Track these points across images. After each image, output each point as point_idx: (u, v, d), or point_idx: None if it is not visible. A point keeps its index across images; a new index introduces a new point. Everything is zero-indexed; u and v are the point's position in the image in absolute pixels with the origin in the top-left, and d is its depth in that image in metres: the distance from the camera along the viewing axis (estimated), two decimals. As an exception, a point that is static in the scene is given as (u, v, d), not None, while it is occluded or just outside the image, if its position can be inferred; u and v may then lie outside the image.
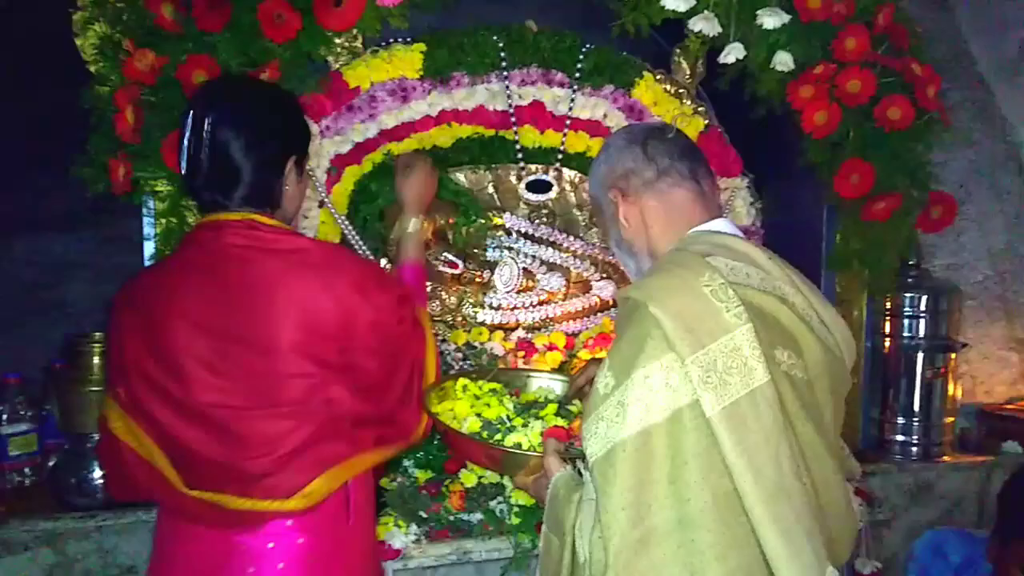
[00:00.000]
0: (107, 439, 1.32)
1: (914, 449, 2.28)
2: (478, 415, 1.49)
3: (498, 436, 1.44)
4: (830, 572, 1.03)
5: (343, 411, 1.31)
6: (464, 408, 1.53)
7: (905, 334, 2.28)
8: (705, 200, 1.22)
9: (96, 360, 1.78)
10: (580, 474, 1.19)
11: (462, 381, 1.62)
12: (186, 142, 1.30)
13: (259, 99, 1.36)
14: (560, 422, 1.50)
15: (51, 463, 1.86)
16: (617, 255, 1.30)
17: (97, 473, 1.76)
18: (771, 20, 1.87)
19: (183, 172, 1.33)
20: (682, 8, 1.83)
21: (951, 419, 2.33)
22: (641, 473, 0.99)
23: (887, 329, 2.30)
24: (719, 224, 1.20)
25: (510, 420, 1.49)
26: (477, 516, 1.72)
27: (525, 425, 1.47)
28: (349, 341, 1.31)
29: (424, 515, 1.71)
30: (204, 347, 1.24)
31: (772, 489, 0.99)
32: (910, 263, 2.30)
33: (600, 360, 1.64)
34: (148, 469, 1.28)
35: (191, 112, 1.31)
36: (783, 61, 1.93)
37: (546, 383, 1.75)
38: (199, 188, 1.33)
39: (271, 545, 1.29)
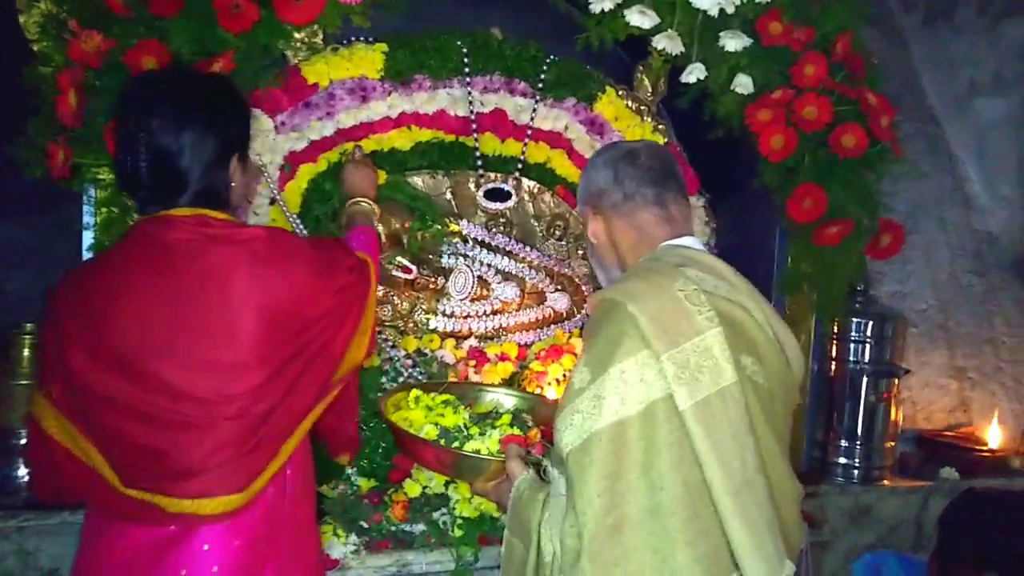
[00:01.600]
0: (38, 439, 1.26)
1: (856, 472, 2.32)
2: (435, 424, 1.48)
3: (456, 443, 1.43)
4: (789, 566, 1.10)
5: (298, 397, 1.28)
6: (419, 417, 1.51)
7: (851, 358, 2.32)
8: (671, 222, 1.28)
9: (26, 353, 1.71)
10: (541, 478, 1.23)
11: (415, 392, 1.60)
12: (121, 156, 1.25)
13: (198, 100, 1.28)
14: (516, 432, 1.49)
15: (-28, 459, 1.77)
16: (592, 265, 1.39)
17: (21, 471, 1.68)
18: (733, 43, 1.90)
19: (121, 186, 1.30)
20: (646, 25, 1.84)
21: (892, 443, 2.37)
22: (616, 462, 1.04)
23: (833, 352, 2.34)
24: (688, 241, 1.27)
25: (467, 428, 1.48)
26: (420, 527, 1.69)
27: (482, 433, 1.46)
28: (308, 324, 1.29)
29: (365, 525, 1.67)
30: (156, 342, 1.19)
31: (738, 482, 1.05)
32: (858, 289, 2.34)
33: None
34: (83, 468, 1.23)
35: (125, 125, 1.25)
36: (743, 84, 1.96)
37: (498, 397, 1.74)
38: (142, 199, 1.28)
39: (206, 547, 1.24)
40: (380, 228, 2.00)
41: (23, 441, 1.67)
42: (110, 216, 1.61)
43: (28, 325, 1.71)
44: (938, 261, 2.83)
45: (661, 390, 1.06)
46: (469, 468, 1.39)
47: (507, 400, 1.74)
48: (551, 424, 1.18)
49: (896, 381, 2.34)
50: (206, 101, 1.29)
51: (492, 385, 1.83)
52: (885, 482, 2.33)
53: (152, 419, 1.20)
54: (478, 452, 1.41)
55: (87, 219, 1.66)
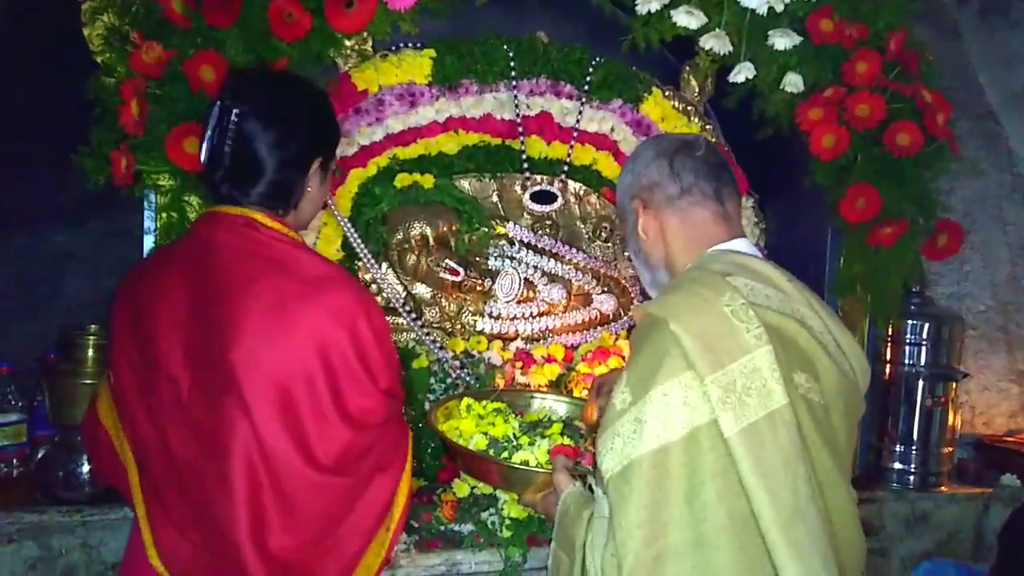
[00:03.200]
0: (91, 417, 1.31)
1: (911, 478, 2.25)
2: (484, 433, 1.49)
3: (505, 454, 1.43)
4: None
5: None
6: (470, 426, 1.53)
7: (906, 361, 2.26)
8: (727, 220, 1.21)
9: (90, 353, 1.76)
10: (590, 491, 1.18)
11: (466, 401, 1.62)
12: (210, 131, 1.27)
13: (291, 95, 1.32)
14: (566, 441, 1.49)
15: (39, 455, 1.84)
16: (635, 263, 1.30)
17: (85, 467, 1.73)
18: (782, 41, 1.87)
19: (203, 162, 1.30)
20: (693, 25, 1.83)
21: (950, 449, 2.31)
22: (657, 491, 0.99)
23: (888, 355, 2.28)
24: (740, 244, 1.19)
25: (516, 438, 1.48)
26: (468, 527, 1.70)
27: (531, 443, 1.46)
28: (333, 390, 1.21)
29: (415, 524, 1.69)
30: (180, 343, 1.21)
31: (788, 512, 0.98)
32: (913, 290, 2.28)
33: (612, 372, 1.60)
34: (116, 462, 1.27)
35: (218, 102, 1.27)
36: (793, 82, 1.93)
37: (549, 404, 1.74)
38: (218, 181, 1.29)
39: None
40: (428, 232, 2.04)
41: (88, 438, 1.73)
42: (170, 221, 1.66)
43: (92, 326, 1.77)
44: (997, 261, 2.74)
45: (706, 415, 1.00)
46: (517, 480, 1.37)
47: (559, 407, 1.74)
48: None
49: (954, 385, 2.28)
50: (299, 100, 1.33)
51: (544, 391, 1.83)
52: (943, 488, 2.26)
53: (187, 423, 1.21)
54: (527, 463, 1.40)
55: (148, 224, 1.71)
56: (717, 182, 1.20)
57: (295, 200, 1.32)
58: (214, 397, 1.17)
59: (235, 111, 1.25)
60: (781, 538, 0.97)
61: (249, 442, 1.16)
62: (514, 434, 1.49)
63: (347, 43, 1.85)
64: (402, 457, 1.32)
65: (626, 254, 2.19)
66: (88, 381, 1.71)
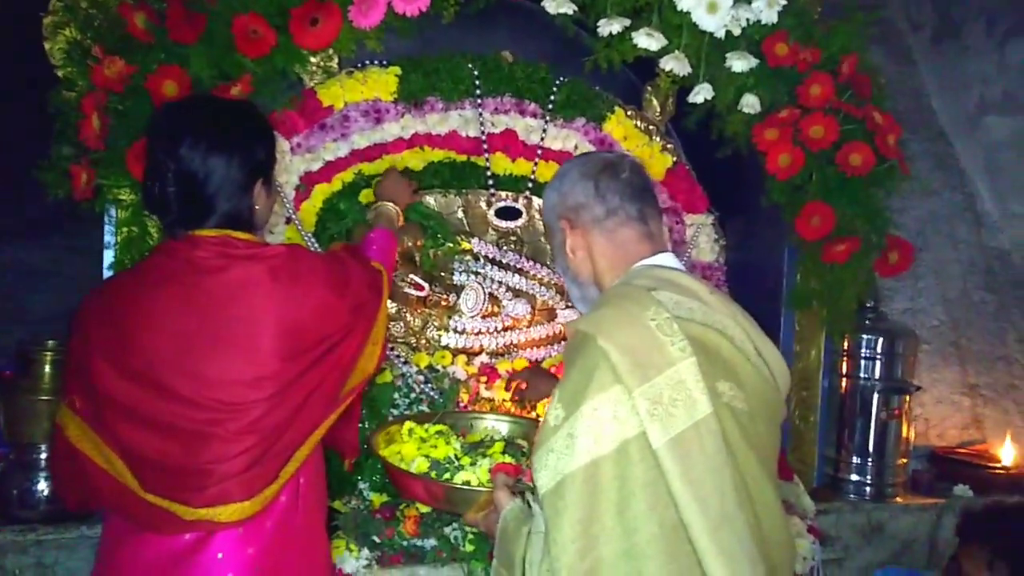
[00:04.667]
0: (63, 448, 1.30)
1: (868, 489, 2.31)
2: (426, 456, 1.49)
3: (447, 475, 1.44)
4: None
5: (311, 408, 1.32)
6: (411, 450, 1.53)
7: (861, 375, 2.31)
8: (651, 238, 1.24)
9: (47, 369, 1.74)
10: (530, 507, 1.19)
11: (408, 425, 1.62)
12: (151, 184, 1.29)
13: (224, 128, 1.32)
14: (508, 459, 1.51)
15: (-6, 473, 1.80)
16: (563, 278, 1.32)
17: (41, 485, 1.71)
18: (740, 63, 1.92)
19: (149, 210, 1.35)
20: (654, 47, 1.87)
21: (904, 460, 2.36)
22: (590, 505, 1.01)
23: (844, 369, 2.34)
24: (664, 259, 1.22)
25: (458, 459, 1.49)
26: (431, 542, 1.70)
27: (473, 463, 1.47)
28: (322, 339, 1.33)
29: (377, 540, 1.68)
30: (178, 354, 1.23)
31: (717, 519, 1.01)
32: (868, 305, 2.34)
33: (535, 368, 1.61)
34: (105, 476, 1.26)
35: (154, 152, 1.29)
36: (750, 103, 1.99)
37: (492, 423, 1.75)
38: (170, 224, 1.32)
39: (220, 556, 1.27)
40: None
41: (43, 456, 1.70)
42: (131, 236, 1.65)
43: (50, 342, 1.75)
44: (949, 278, 2.83)
45: (634, 428, 1.01)
46: (460, 500, 1.37)
47: (502, 426, 1.75)
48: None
49: (907, 398, 2.34)
50: (232, 129, 1.33)
51: (484, 413, 1.85)
52: (898, 499, 2.32)
53: (174, 429, 1.24)
54: (468, 483, 1.41)
55: (108, 239, 1.70)
56: (641, 203, 1.23)
57: (249, 221, 1.35)
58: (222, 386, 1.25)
59: (170, 161, 1.27)
60: (710, 545, 0.99)
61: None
62: (456, 455, 1.49)
63: (312, 60, 1.86)
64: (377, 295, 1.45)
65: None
66: (45, 397, 1.70)
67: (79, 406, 1.28)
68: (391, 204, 1.80)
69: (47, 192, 1.60)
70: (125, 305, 1.27)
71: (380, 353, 1.44)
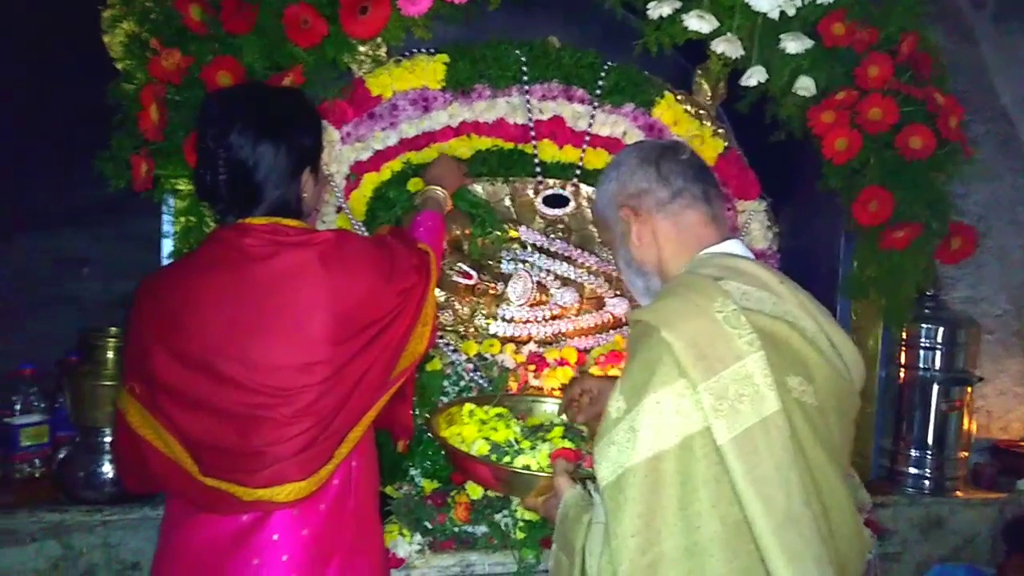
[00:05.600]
0: (125, 433, 1.33)
1: (926, 483, 2.24)
2: (486, 438, 1.50)
3: (507, 458, 1.44)
4: None
5: (364, 389, 1.35)
6: (472, 432, 1.54)
7: (921, 365, 2.25)
8: (717, 222, 1.21)
9: (110, 355, 1.79)
10: (590, 494, 1.19)
11: (468, 407, 1.63)
12: (202, 171, 1.33)
13: (273, 116, 1.34)
14: (568, 444, 1.50)
15: (61, 455, 1.87)
16: (624, 273, 1.28)
17: (106, 467, 1.76)
18: (794, 45, 1.87)
19: (200, 197, 1.38)
20: (705, 30, 1.84)
21: (965, 454, 2.29)
22: (651, 499, 1.00)
23: (902, 359, 2.27)
24: (731, 246, 1.19)
25: (518, 443, 1.49)
26: (482, 529, 1.71)
27: (533, 448, 1.47)
28: (372, 322, 1.35)
29: (429, 525, 1.70)
30: (228, 341, 1.26)
31: (781, 518, 0.98)
32: (928, 294, 2.27)
33: (590, 375, 1.62)
34: (165, 460, 1.29)
35: (204, 140, 1.32)
36: (805, 86, 1.93)
37: (551, 407, 1.74)
38: (221, 211, 1.36)
39: (275, 537, 1.30)
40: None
41: (107, 439, 1.75)
42: (188, 225, 1.69)
43: (111, 329, 1.80)
44: (1013, 265, 2.72)
45: (698, 423, 1.00)
46: (519, 484, 1.38)
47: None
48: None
49: (969, 389, 2.26)
50: (281, 117, 1.35)
51: (545, 395, 1.84)
52: (958, 493, 2.25)
53: (228, 414, 1.26)
54: (528, 467, 1.41)
55: (166, 228, 1.74)
56: (704, 183, 1.21)
57: (297, 209, 1.38)
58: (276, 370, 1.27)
59: (220, 149, 1.29)
60: (775, 544, 0.97)
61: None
62: (516, 439, 1.49)
63: (361, 49, 1.87)
64: (425, 276, 1.46)
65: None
66: (108, 383, 1.74)
67: (138, 392, 1.31)
68: (440, 188, 1.80)
69: (107, 182, 1.63)
70: (177, 292, 1.30)
71: (430, 335, 1.46)
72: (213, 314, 1.27)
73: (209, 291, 1.29)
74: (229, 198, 1.33)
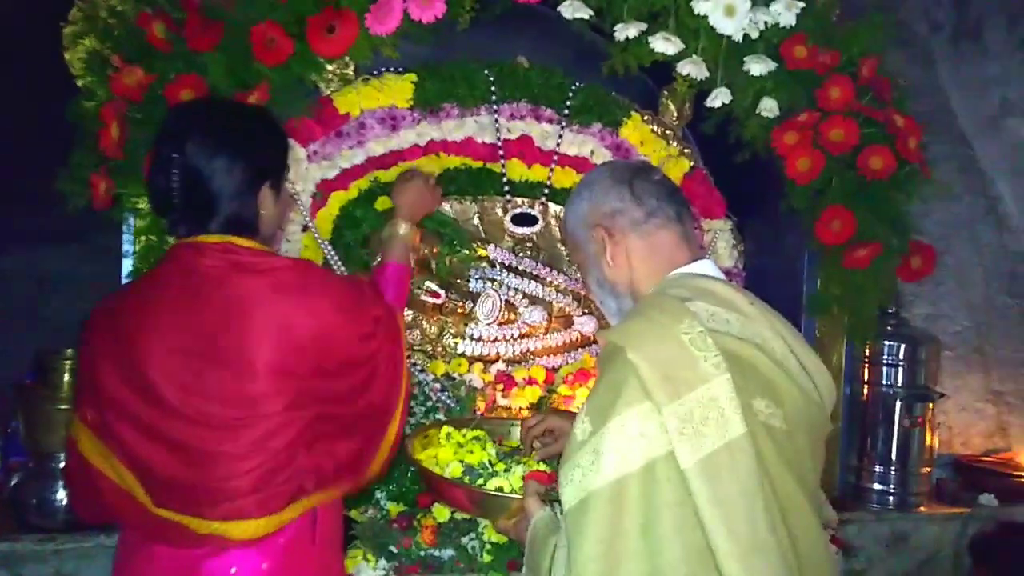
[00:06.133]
0: (76, 462, 1.29)
1: (891, 498, 2.27)
2: (460, 461, 1.49)
3: (480, 481, 1.43)
4: None
5: (313, 435, 1.29)
6: (447, 454, 1.53)
7: (884, 382, 2.28)
8: (689, 242, 1.21)
9: (66, 378, 1.75)
10: (559, 516, 1.17)
11: (446, 429, 1.62)
12: (155, 178, 1.29)
13: (231, 128, 1.32)
14: (542, 467, 1.50)
15: (13, 482, 1.81)
16: (596, 293, 1.27)
17: (60, 494, 1.71)
18: (757, 67, 1.91)
19: (153, 207, 1.34)
20: (671, 51, 1.86)
21: (928, 469, 2.32)
22: (614, 524, 0.98)
23: (866, 376, 2.31)
24: (702, 266, 1.19)
25: (492, 465, 1.49)
26: (449, 552, 1.69)
27: (507, 470, 1.47)
28: (326, 361, 1.29)
29: (394, 550, 1.68)
30: (179, 369, 1.22)
31: (746, 546, 0.97)
32: (889, 311, 2.31)
33: (554, 412, 1.61)
34: (118, 490, 1.25)
35: (160, 148, 1.28)
36: (768, 107, 1.96)
37: None
38: (174, 222, 1.31)
39: (234, 570, 1.26)
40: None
41: (62, 465, 1.70)
42: (149, 244, 1.66)
43: (68, 351, 1.76)
44: (972, 282, 2.79)
45: (663, 446, 0.98)
46: (492, 506, 1.37)
47: None
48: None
49: (931, 405, 2.30)
50: (239, 129, 1.32)
51: (523, 418, 1.83)
52: (922, 509, 2.28)
53: (180, 445, 1.23)
54: (501, 489, 1.40)
55: (126, 247, 1.71)
56: (678, 204, 1.22)
57: (253, 225, 1.33)
58: (224, 403, 1.23)
59: (175, 156, 1.26)
60: (738, 571, 0.96)
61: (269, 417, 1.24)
62: (490, 461, 1.49)
63: (329, 67, 1.86)
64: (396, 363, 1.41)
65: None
66: (63, 407, 1.70)
67: (90, 419, 1.27)
68: (409, 224, 1.68)
69: (67, 201, 1.60)
70: (128, 316, 1.27)
71: (400, 421, 1.41)
72: (160, 341, 1.23)
73: (158, 316, 1.24)
74: (182, 208, 1.28)
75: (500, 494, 1.37)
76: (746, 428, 1.00)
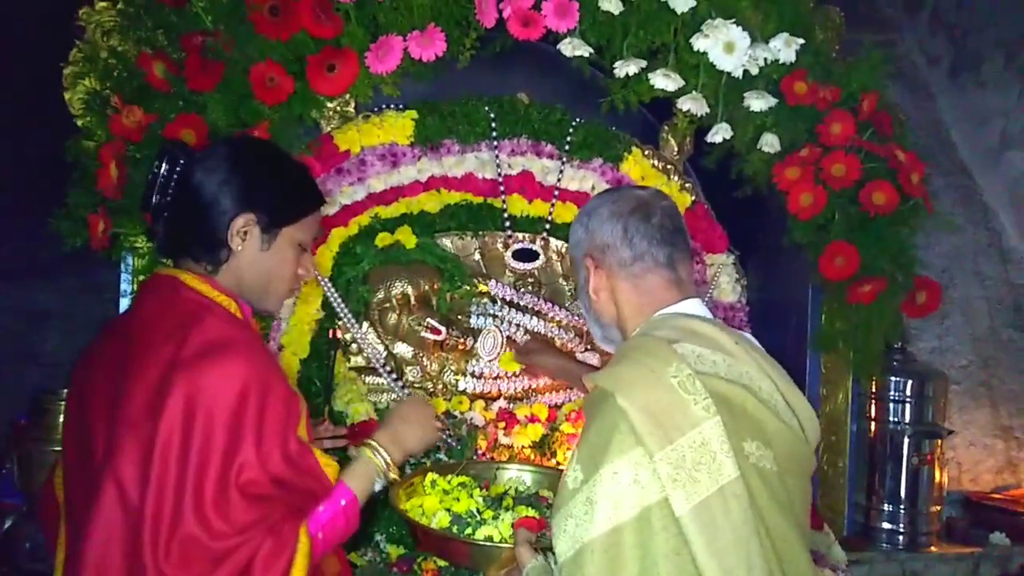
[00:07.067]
0: (47, 487, 1.29)
1: (901, 537, 2.22)
2: (447, 510, 1.46)
3: (468, 530, 1.39)
4: None
5: None
6: (433, 503, 1.49)
7: (891, 418, 2.24)
8: (679, 285, 1.20)
9: (61, 419, 1.71)
10: (552, 565, 1.14)
11: (431, 476, 1.58)
12: (150, 177, 1.26)
13: (232, 146, 1.29)
14: (531, 512, 1.46)
15: (6, 525, 1.78)
16: (585, 315, 1.29)
17: (53, 537, 1.68)
18: (758, 103, 1.91)
19: (142, 208, 1.29)
20: (671, 88, 1.86)
21: (938, 508, 2.28)
22: (611, 575, 0.97)
23: (872, 413, 2.27)
24: (689, 306, 1.18)
25: (480, 513, 1.44)
26: (448, 593, 1.65)
27: (495, 518, 1.43)
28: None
29: (393, 590, 1.64)
30: (103, 413, 1.16)
31: None
32: (895, 346, 2.28)
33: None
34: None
35: (165, 152, 1.27)
36: (769, 143, 1.96)
37: (515, 474, 1.70)
38: (158, 233, 1.28)
39: None
40: (410, 291, 2.02)
41: (56, 507, 1.67)
42: (146, 283, 1.64)
43: (64, 390, 1.73)
44: (976, 315, 2.77)
45: (656, 493, 0.98)
46: (482, 556, 1.33)
47: (526, 476, 1.70)
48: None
49: (939, 442, 2.26)
50: (233, 152, 1.28)
51: (508, 463, 1.79)
52: (932, 548, 2.23)
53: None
54: (490, 539, 1.36)
55: (124, 287, 1.70)
56: (671, 247, 1.20)
57: (221, 255, 1.23)
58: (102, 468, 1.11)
59: (180, 160, 1.23)
60: None
61: (112, 510, 1.06)
62: (478, 509, 1.45)
63: (329, 105, 1.87)
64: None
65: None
66: (58, 448, 1.66)
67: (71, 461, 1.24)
68: (387, 452, 1.30)
69: (63, 241, 1.59)
70: (86, 354, 1.26)
71: None
72: (100, 394, 1.17)
73: (101, 356, 1.22)
74: (166, 216, 1.24)
75: (490, 544, 1.33)
76: (738, 472, 1.00)
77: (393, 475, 1.28)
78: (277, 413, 1.13)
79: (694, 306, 1.19)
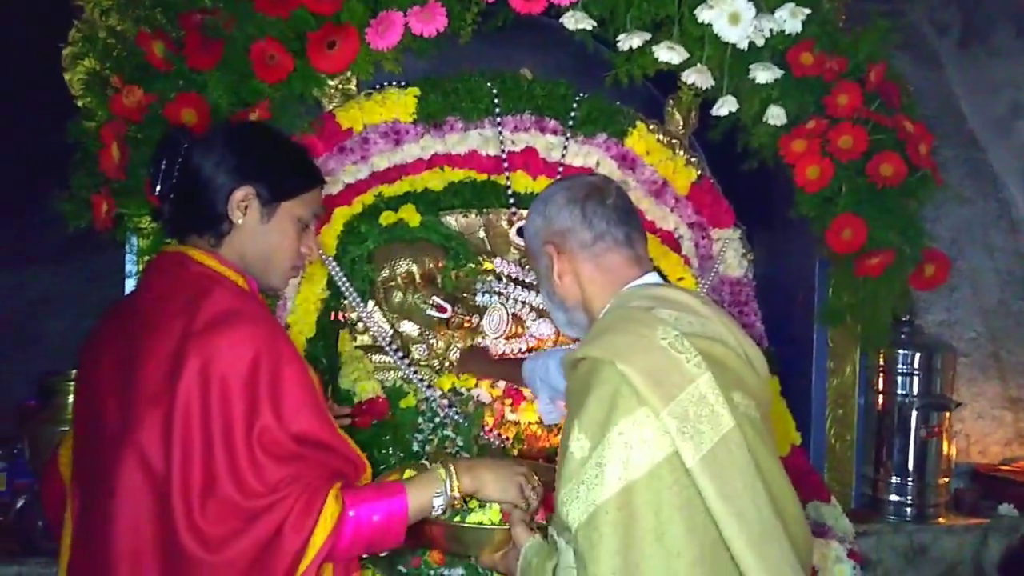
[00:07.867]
0: (51, 463, 1.29)
1: (909, 510, 2.23)
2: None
3: (457, 518, 1.39)
4: None
5: None
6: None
7: (899, 391, 2.24)
8: (640, 262, 1.24)
9: (70, 399, 1.74)
10: (549, 539, 1.15)
11: (407, 473, 1.56)
12: (156, 154, 1.27)
13: (232, 130, 1.31)
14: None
15: (18, 505, 1.80)
16: (546, 304, 1.32)
17: (65, 517, 1.69)
18: (764, 75, 1.88)
19: (152, 192, 1.30)
20: (675, 60, 1.83)
21: (946, 479, 2.28)
22: (626, 533, 0.99)
23: (880, 385, 2.27)
24: (652, 278, 1.23)
25: (467, 501, 1.43)
26: (458, 572, 1.67)
27: (483, 505, 1.41)
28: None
29: (403, 569, 1.65)
30: (113, 394, 1.16)
31: (757, 532, 1.01)
32: (903, 319, 2.27)
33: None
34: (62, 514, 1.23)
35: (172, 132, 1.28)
36: (776, 115, 1.94)
37: None
38: (165, 213, 1.29)
39: None
40: (415, 269, 2.02)
41: (67, 487, 1.69)
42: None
43: (73, 372, 1.74)
44: (986, 287, 2.75)
45: (664, 449, 1.01)
46: (474, 541, 1.33)
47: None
48: (551, 489, 1.13)
49: (948, 414, 2.26)
50: (235, 127, 1.32)
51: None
52: (940, 520, 2.24)
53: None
54: (480, 524, 1.36)
55: (129, 268, 1.70)
56: (627, 227, 1.23)
57: (221, 229, 1.24)
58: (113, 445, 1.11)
59: (183, 145, 1.24)
60: (755, 560, 0.99)
61: (134, 477, 1.08)
62: (466, 499, 1.43)
63: (330, 83, 1.85)
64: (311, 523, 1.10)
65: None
66: (67, 428, 1.68)
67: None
68: (461, 480, 1.26)
69: (67, 223, 1.59)
70: (93, 334, 1.26)
71: None
72: (106, 372, 1.18)
73: (108, 336, 1.21)
74: (171, 196, 1.25)
75: (481, 527, 1.32)
76: (735, 421, 1.05)
77: (455, 493, 1.24)
78: (295, 375, 1.15)
79: (655, 279, 1.24)
